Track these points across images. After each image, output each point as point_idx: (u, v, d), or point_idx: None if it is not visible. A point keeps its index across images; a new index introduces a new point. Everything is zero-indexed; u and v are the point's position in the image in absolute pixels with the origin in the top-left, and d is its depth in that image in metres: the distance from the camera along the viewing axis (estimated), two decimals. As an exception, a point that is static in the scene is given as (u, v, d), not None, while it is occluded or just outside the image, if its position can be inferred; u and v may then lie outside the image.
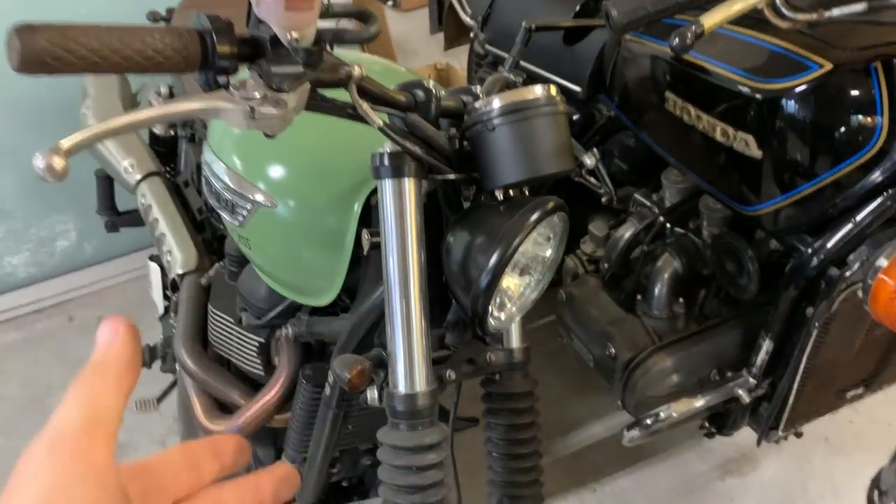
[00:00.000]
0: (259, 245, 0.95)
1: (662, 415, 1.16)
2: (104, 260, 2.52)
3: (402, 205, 0.73)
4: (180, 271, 1.30)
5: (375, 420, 0.82)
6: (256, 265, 1.03)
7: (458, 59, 2.79)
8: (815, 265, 1.00)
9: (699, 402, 1.16)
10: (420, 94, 0.73)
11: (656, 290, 1.21)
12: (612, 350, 1.18)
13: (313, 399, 1.04)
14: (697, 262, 1.22)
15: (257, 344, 1.15)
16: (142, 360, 0.36)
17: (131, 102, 1.77)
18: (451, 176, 0.75)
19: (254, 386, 1.17)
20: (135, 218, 1.79)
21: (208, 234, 1.46)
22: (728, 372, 1.18)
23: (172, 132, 1.75)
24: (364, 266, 0.91)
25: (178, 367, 1.53)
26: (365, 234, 0.82)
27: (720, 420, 1.26)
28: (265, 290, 1.09)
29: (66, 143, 0.54)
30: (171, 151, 1.70)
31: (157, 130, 1.74)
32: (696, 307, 1.23)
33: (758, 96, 0.96)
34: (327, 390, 0.98)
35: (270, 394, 1.10)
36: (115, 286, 2.50)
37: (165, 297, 1.63)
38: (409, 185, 0.73)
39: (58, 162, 0.51)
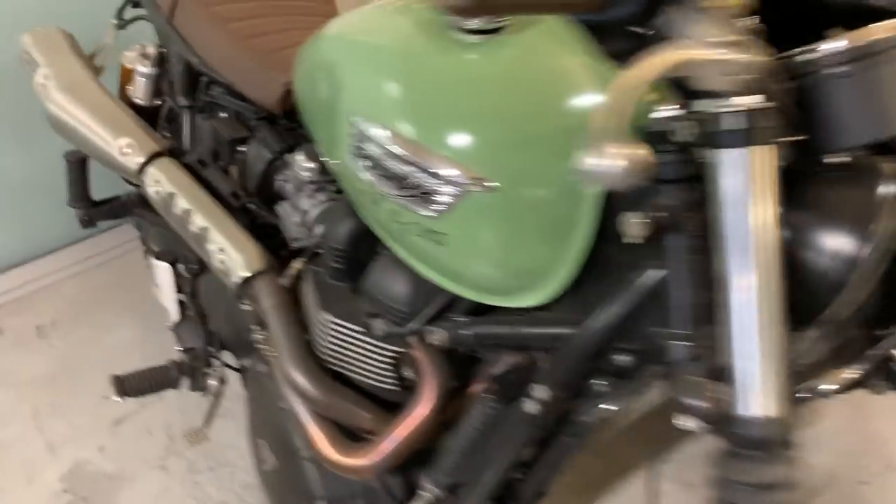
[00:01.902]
0: (457, 240, 0.75)
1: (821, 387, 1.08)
2: (29, 259, 2.14)
3: (763, 182, 0.58)
4: (245, 273, 1.06)
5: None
6: (422, 261, 0.83)
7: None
8: None
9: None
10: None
11: None
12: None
13: (494, 415, 0.87)
14: None
15: (393, 355, 0.95)
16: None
17: (91, 66, 1.45)
18: (797, 137, 0.60)
19: (383, 406, 0.98)
20: (116, 208, 1.50)
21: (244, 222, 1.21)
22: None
23: (158, 101, 1.46)
24: (601, 257, 0.74)
25: (212, 383, 1.29)
26: (634, 218, 0.66)
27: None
28: (408, 290, 0.90)
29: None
30: (150, 125, 1.41)
31: (139, 99, 1.44)
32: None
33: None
34: (530, 407, 0.81)
35: (421, 414, 0.92)
36: (47, 287, 2.13)
37: (181, 302, 1.37)
38: (767, 155, 0.58)
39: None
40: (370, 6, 0.94)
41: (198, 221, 1.15)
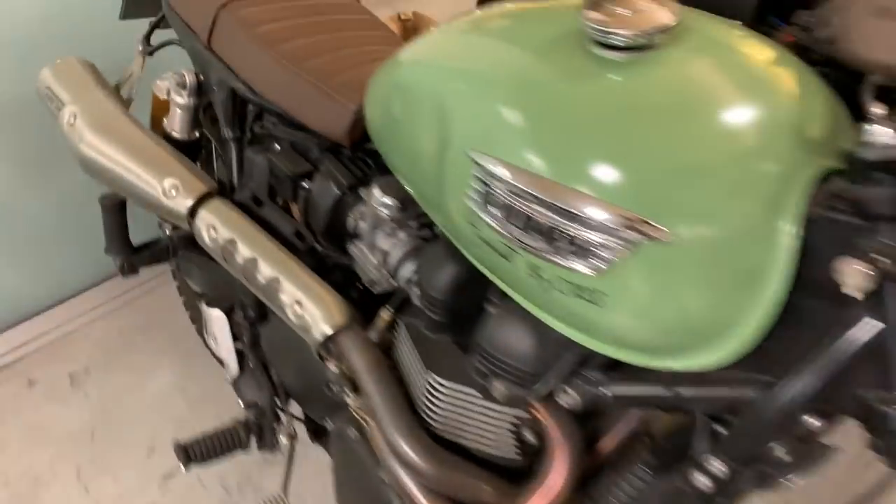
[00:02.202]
0: (618, 298, 0.63)
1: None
2: (54, 303, 2.02)
3: None
4: (328, 330, 0.94)
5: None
6: (565, 321, 0.70)
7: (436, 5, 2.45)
8: None
9: None
10: None
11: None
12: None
13: (648, 489, 0.75)
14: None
15: (514, 420, 0.83)
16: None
17: (119, 99, 1.32)
18: None
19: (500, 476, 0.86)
20: (158, 253, 1.37)
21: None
22: None
23: (197, 133, 1.33)
24: (797, 306, 0.62)
25: (282, 440, 1.18)
26: (856, 265, 0.54)
27: None
28: (535, 347, 0.78)
29: None
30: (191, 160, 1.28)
31: (177, 132, 1.32)
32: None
33: None
34: (701, 482, 0.69)
35: (555, 485, 0.80)
36: (76, 331, 2.01)
37: (239, 353, 1.25)
38: None
39: None
40: (455, 23, 0.82)
41: (265, 271, 1.03)
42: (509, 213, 0.65)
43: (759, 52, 0.65)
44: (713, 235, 0.60)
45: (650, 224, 0.59)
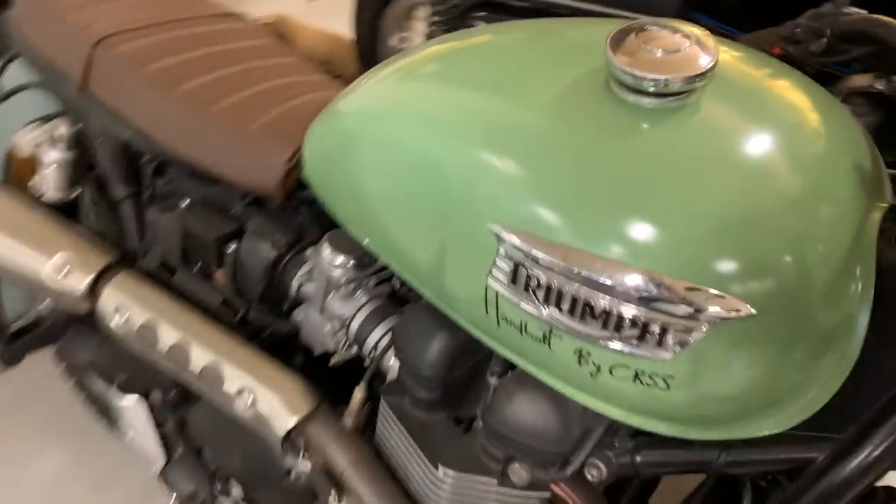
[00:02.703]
0: (686, 380, 0.55)
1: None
2: None
3: None
4: (291, 421, 0.81)
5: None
6: (615, 403, 0.61)
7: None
8: None
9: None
10: None
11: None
12: None
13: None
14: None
15: (536, 503, 0.74)
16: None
17: None
18: None
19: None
20: (45, 335, 1.16)
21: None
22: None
23: (75, 193, 1.13)
24: (871, 359, 0.56)
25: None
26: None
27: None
28: (558, 425, 0.69)
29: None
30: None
31: (51, 194, 1.11)
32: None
33: None
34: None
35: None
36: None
37: (163, 438, 1.08)
38: None
39: None
40: (428, 53, 0.71)
41: (199, 357, 0.88)
42: (551, 295, 0.56)
43: (796, 89, 0.59)
44: (798, 296, 0.53)
45: (732, 299, 0.51)
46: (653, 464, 0.69)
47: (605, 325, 0.54)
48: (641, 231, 0.52)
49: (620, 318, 0.53)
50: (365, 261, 0.85)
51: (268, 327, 0.96)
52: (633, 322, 0.53)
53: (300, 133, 0.87)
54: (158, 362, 0.92)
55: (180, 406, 1.07)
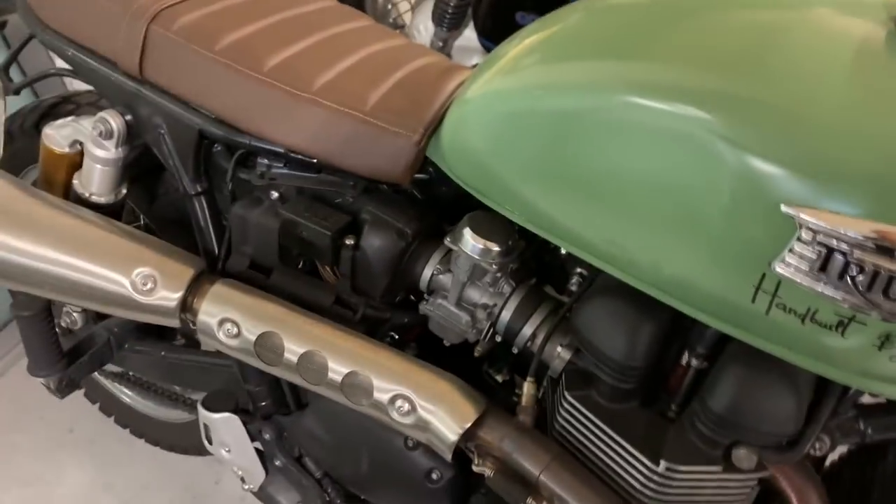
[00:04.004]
0: None
1: None
2: None
3: None
4: (463, 428, 0.74)
5: None
6: None
7: None
8: None
9: None
10: None
11: None
12: None
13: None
14: None
15: (754, 484, 0.71)
16: None
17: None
18: None
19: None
20: (100, 355, 1.03)
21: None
22: None
23: (125, 190, 1.00)
24: None
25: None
26: None
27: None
28: (795, 404, 0.65)
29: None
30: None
31: (98, 196, 0.97)
32: None
33: None
34: None
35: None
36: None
37: (259, 453, 1.00)
38: None
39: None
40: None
41: (337, 365, 0.79)
42: (875, 279, 0.50)
43: None
44: None
45: None
46: (881, 426, 0.68)
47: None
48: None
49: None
50: (510, 245, 0.78)
51: (385, 322, 0.88)
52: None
53: (421, 110, 0.79)
54: (286, 378, 0.83)
55: (273, 415, 0.98)
